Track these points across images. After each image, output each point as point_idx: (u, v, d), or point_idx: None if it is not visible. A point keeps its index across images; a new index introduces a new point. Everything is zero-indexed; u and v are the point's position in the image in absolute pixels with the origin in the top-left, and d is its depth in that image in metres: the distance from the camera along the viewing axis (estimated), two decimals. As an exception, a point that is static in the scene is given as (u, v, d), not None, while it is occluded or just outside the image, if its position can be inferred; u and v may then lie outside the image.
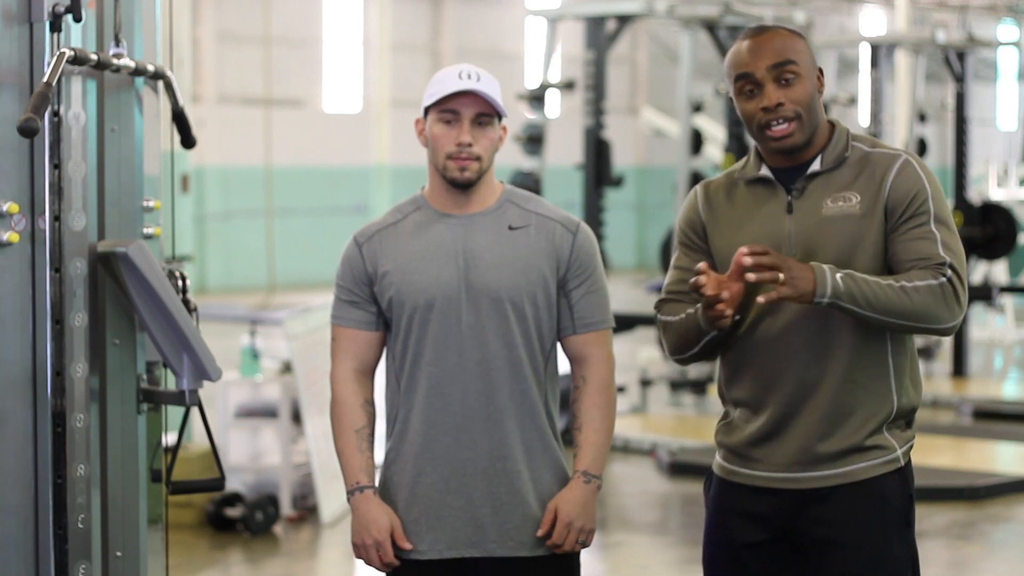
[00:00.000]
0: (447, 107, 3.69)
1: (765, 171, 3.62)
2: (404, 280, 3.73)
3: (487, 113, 3.70)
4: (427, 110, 3.74)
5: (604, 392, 3.78)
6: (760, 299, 3.42)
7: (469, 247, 3.74)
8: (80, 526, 3.64)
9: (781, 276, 3.38)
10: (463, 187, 3.73)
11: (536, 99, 11.81)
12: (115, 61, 3.74)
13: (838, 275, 3.41)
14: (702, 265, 3.46)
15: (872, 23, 32.73)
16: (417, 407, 3.73)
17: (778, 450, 3.58)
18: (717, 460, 3.72)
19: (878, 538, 3.56)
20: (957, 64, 13.99)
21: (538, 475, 3.75)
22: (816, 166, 3.59)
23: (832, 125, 3.64)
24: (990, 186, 18.27)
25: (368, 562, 3.76)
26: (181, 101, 4.06)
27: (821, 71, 3.62)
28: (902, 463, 3.59)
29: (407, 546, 3.73)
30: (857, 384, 3.55)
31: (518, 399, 3.73)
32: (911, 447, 3.63)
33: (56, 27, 3.58)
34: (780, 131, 3.54)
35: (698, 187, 3.74)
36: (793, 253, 3.54)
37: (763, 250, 3.41)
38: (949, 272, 3.46)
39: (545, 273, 3.75)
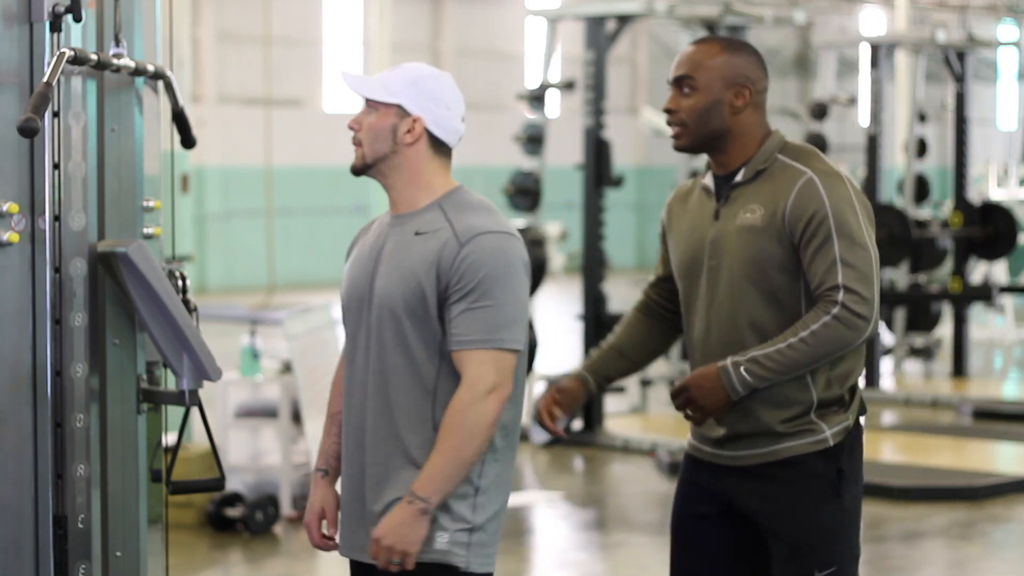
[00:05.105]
0: None
1: (708, 179, 3.93)
2: (344, 281, 3.77)
3: (372, 99, 3.66)
4: None
5: (459, 414, 3.52)
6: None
7: (383, 252, 3.67)
8: (80, 526, 3.63)
9: (689, 412, 3.79)
10: (354, 175, 3.72)
11: (536, 99, 11.81)
12: (115, 61, 3.74)
13: (742, 368, 3.72)
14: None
15: (872, 23, 32.73)
16: (343, 407, 3.76)
17: (711, 431, 3.90)
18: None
19: (806, 508, 3.82)
20: (957, 64, 13.98)
21: (404, 491, 3.59)
22: (740, 176, 3.86)
23: (767, 136, 3.88)
24: (990, 186, 18.29)
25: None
26: (181, 101, 4.06)
27: (748, 87, 3.85)
28: (831, 444, 3.83)
29: (331, 532, 3.77)
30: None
31: (400, 409, 3.61)
32: (846, 429, 3.85)
33: (56, 27, 3.57)
34: (672, 132, 3.91)
35: (674, 191, 4.10)
36: (709, 258, 3.85)
37: (675, 392, 3.80)
38: (841, 295, 3.69)
39: (422, 284, 3.56)
